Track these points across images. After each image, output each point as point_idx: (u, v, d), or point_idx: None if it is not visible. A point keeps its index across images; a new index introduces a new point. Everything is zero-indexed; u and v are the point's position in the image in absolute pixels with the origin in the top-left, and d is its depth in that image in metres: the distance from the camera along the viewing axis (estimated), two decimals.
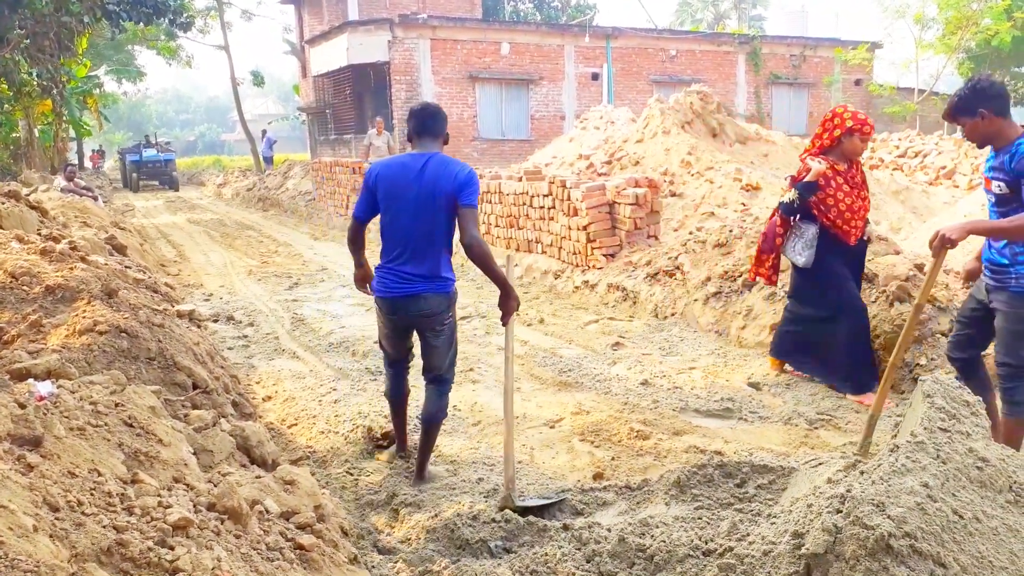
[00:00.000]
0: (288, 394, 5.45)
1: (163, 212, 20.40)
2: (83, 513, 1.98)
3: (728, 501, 3.45)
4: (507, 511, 3.37)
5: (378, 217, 3.85)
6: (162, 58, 35.95)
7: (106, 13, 15.61)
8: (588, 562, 2.95)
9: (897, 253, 6.02)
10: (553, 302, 8.38)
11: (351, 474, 4.08)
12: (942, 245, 3.49)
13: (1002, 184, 3.57)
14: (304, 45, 29.71)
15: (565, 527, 3.25)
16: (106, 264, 5.69)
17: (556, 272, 9.25)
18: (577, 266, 8.99)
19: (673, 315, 7.29)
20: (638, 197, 8.59)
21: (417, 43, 22.33)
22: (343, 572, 2.53)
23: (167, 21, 17.62)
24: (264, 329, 7.41)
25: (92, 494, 2.10)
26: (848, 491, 2.42)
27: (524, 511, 3.43)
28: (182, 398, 3.78)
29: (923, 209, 12.30)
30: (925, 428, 2.60)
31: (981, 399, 2.84)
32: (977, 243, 3.96)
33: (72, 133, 29.37)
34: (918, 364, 5.16)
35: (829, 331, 5.14)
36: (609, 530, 3.17)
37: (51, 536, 1.79)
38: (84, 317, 3.98)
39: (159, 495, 2.26)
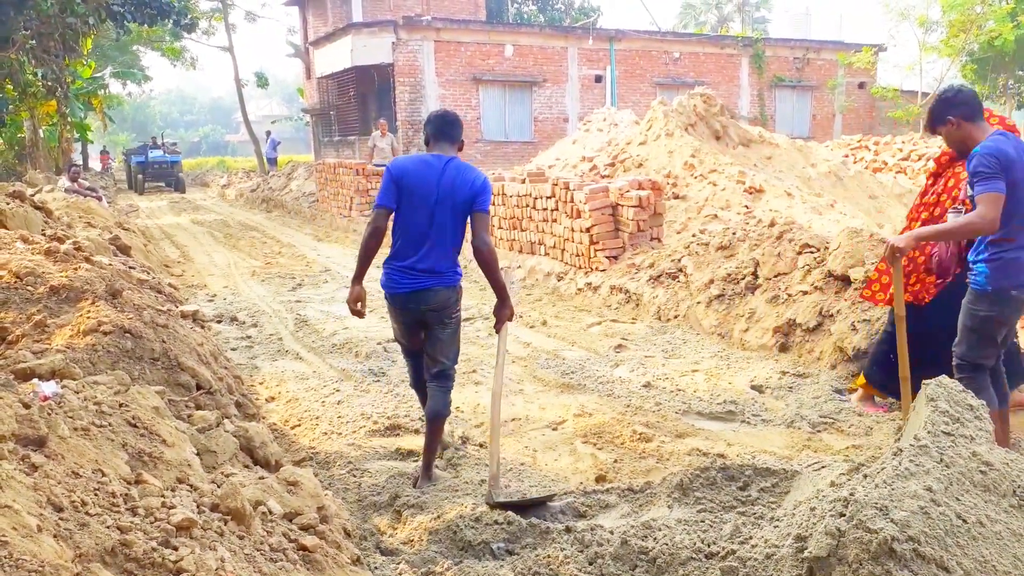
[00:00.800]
0: (291, 395, 5.46)
1: (167, 213, 20.43)
2: (87, 513, 1.99)
3: (731, 504, 3.45)
4: (510, 512, 3.38)
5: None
6: (167, 59, 36.03)
7: (111, 14, 15.65)
8: (590, 564, 2.95)
9: None
10: (556, 304, 8.38)
11: (354, 475, 4.09)
12: (893, 255, 3.74)
13: (969, 188, 3.71)
14: (308, 47, 29.74)
15: (567, 529, 3.25)
16: (110, 264, 5.70)
17: (559, 274, 9.26)
18: (580, 268, 8.99)
19: (676, 318, 7.28)
20: (641, 199, 8.59)
21: (421, 45, 22.36)
22: (346, 573, 2.53)
23: (171, 23, 17.65)
24: (267, 330, 7.42)
25: (96, 494, 2.11)
26: (851, 494, 2.42)
27: (503, 508, 3.43)
28: (186, 399, 3.78)
29: None
30: (929, 432, 2.59)
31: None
32: None
33: (77, 134, 29.39)
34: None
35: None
36: (612, 532, 3.17)
37: (55, 536, 1.79)
38: (88, 317, 3.99)
39: (163, 496, 2.27)
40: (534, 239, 9.98)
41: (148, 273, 7.48)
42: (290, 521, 2.63)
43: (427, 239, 3.81)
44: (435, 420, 3.98)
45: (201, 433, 3.16)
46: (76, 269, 4.83)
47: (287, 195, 20.87)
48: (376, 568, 2.96)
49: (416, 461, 4.27)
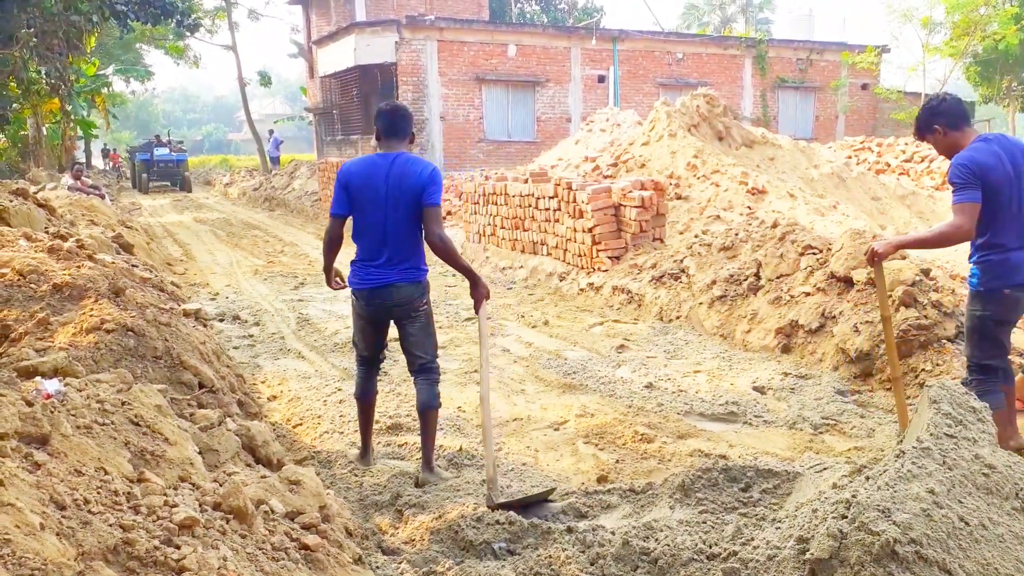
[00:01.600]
0: (293, 394, 5.46)
1: (169, 211, 20.45)
2: (90, 511, 1.99)
3: (732, 505, 3.45)
4: (511, 512, 3.38)
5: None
6: (170, 57, 36.06)
7: (114, 13, 15.67)
8: (592, 565, 2.94)
9: (903, 258, 6.01)
10: (558, 304, 8.38)
11: (355, 474, 4.09)
12: (872, 259, 3.85)
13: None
14: (311, 46, 29.75)
15: (569, 530, 3.25)
16: (113, 263, 5.71)
17: (561, 274, 9.25)
18: (582, 268, 8.99)
19: (678, 318, 7.28)
20: (644, 200, 8.58)
21: (424, 44, 22.35)
22: (348, 572, 2.53)
23: (175, 22, 17.67)
24: (270, 329, 7.42)
25: (99, 493, 2.11)
26: (853, 496, 2.41)
27: (505, 509, 3.43)
28: (188, 397, 3.78)
29: (929, 214, 12.27)
30: (931, 434, 2.59)
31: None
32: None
33: (80, 132, 29.37)
34: (923, 370, 5.15)
35: None
36: (613, 533, 3.16)
37: (58, 534, 1.79)
38: (91, 315, 3.99)
39: (165, 494, 2.27)
40: (536, 239, 9.98)
41: (151, 271, 7.49)
42: (292, 520, 2.63)
43: (386, 238, 3.85)
44: (426, 413, 4.02)
45: (203, 432, 3.16)
46: (79, 267, 4.84)
47: (290, 194, 20.88)
48: (378, 567, 2.96)
49: (419, 461, 4.27)
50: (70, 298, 4.31)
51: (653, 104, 13.52)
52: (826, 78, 27.29)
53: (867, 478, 2.60)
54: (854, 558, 2.26)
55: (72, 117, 24.90)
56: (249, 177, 27.78)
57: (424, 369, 4.05)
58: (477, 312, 3.98)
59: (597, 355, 6.36)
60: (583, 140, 15.32)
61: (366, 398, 4.22)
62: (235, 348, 6.66)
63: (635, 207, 8.59)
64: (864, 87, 27.49)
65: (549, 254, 9.72)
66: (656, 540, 3.04)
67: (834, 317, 5.90)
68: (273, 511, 2.57)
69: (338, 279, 4.18)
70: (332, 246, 4.08)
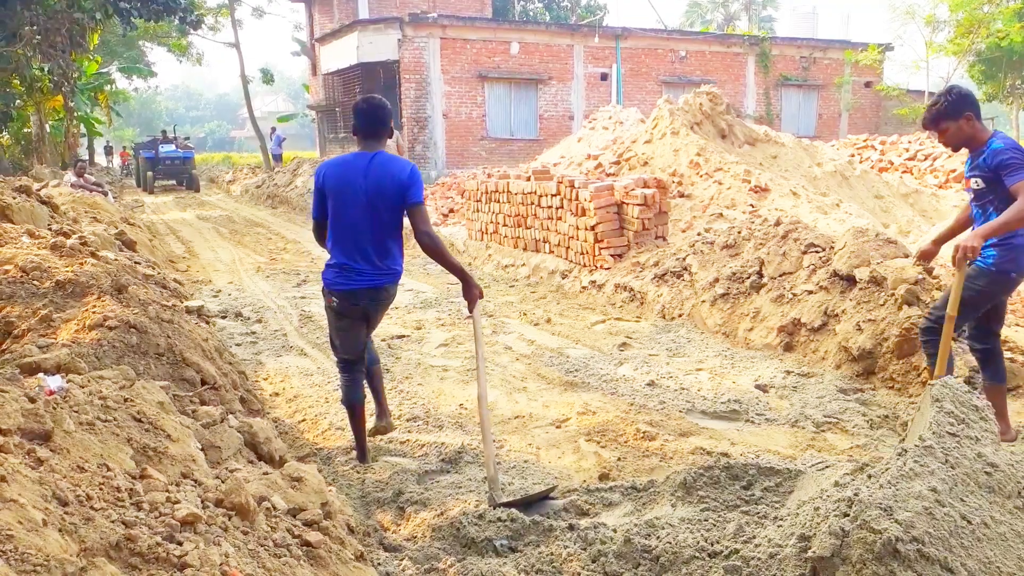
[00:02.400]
0: (295, 391, 5.47)
1: (172, 208, 20.47)
2: (92, 508, 1.99)
3: (734, 503, 3.44)
4: (513, 510, 3.38)
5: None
6: (173, 55, 36.11)
7: (117, 10, 15.68)
8: (593, 562, 2.94)
9: (906, 256, 6.00)
10: (560, 302, 8.38)
11: (357, 471, 4.09)
12: (965, 256, 3.77)
13: (979, 180, 4.00)
14: (314, 43, 29.75)
15: (571, 527, 3.25)
16: (116, 260, 5.72)
17: (563, 272, 9.25)
18: (584, 266, 8.98)
19: (680, 316, 7.28)
20: (646, 198, 8.58)
21: (427, 42, 22.35)
22: (349, 569, 2.53)
23: (177, 19, 17.67)
24: (272, 326, 7.43)
25: (101, 489, 2.11)
26: (855, 495, 2.41)
27: (507, 508, 3.43)
28: (190, 394, 3.79)
29: (932, 212, 12.24)
30: (934, 432, 2.59)
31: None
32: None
33: (83, 129, 29.38)
34: (925, 368, 5.14)
35: None
36: (615, 530, 3.16)
37: (60, 530, 1.80)
38: (94, 312, 4.00)
39: (167, 490, 2.27)
40: (539, 236, 9.98)
41: (153, 268, 7.50)
42: (294, 517, 2.63)
43: (363, 238, 3.80)
44: (373, 364, 4.33)
45: (206, 428, 3.16)
46: (82, 264, 4.85)
47: (292, 191, 20.89)
48: (379, 564, 2.96)
49: (421, 458, 4.28)
50: (73, 295, 4.32)
51: (656, 102, 13.50)
52: (829, 76, 27.25)
53: (869, 476, 2.60)
54: (856, 556, 2.26)
55: (75, 114, 24.93)
56: (252, 174, 27.78)
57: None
58: (471, 312, 3.88)
59: (599, 353, 6.36)
60: (586, 138, 15.30)
61: (358, 402, 4.14)
62: (237, 345, 6.67)
63: (638, 205, 8.58)
64: (867, 85, 27.44)
65: (551, 252, 9.71)
66: (658, 538, 3.04)
67: (836, 315, 5.90)
68: (275, 508, 2.58)
69: None
70: (322, 245, 4.05)
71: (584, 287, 8.66)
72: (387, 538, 3.32)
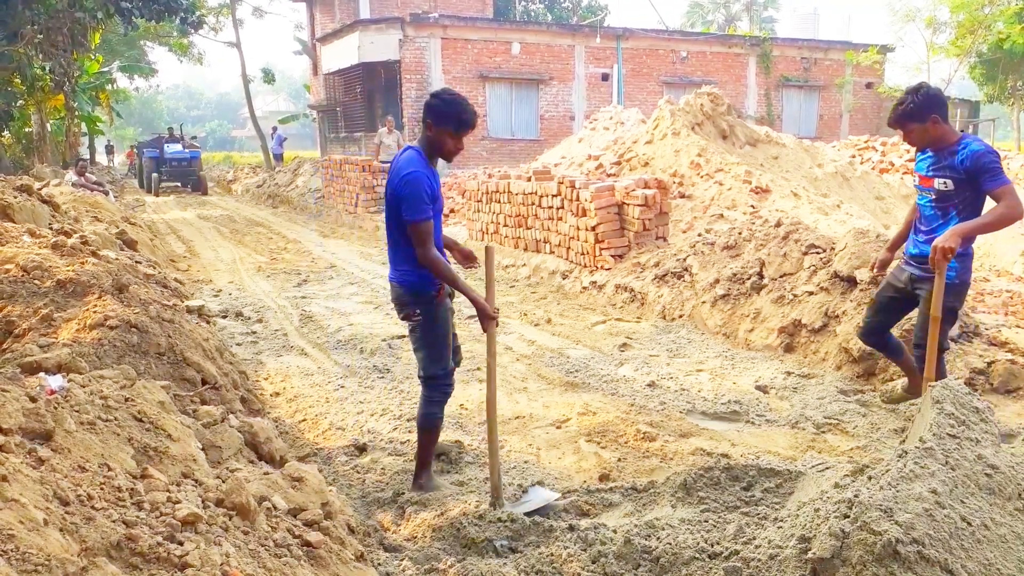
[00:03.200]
0: (296, 391, 5.47)
1: (173, 208, 20.47)
2: (93, 507, 1.99)
3: (734, 504, 3.45)
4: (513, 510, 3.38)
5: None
6: (174, 54, 36.11)
7: (118, 10, 15.71)
8: (593, 563, 2.95)
9: (899, 259, 6.00)
10: (561, 302, 8.38)
11: (358, 472, 4.09)
12: (944, 256, 3.70)
13: (948, 181, 3.92)
14: (315, 43, 29.76)
15: (571, 528, 3.25)
16: (117, 259, 5.72)
17: (564, 272, 9.25)
18: (585, 267, 8.98)
19: (681, 317, 7.28)
20: (647, 198, 8.58)
21: (428, 42, 22.35)
22: (350, 569, 2.53)
23: (178, 19, 17.69)
24: (272, 325, 7.43)
25: (102, 488, 2.11)
26: (856, 496, 2.41)
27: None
28: (191, 394, 3.79)
29: None
30: (934, 434, 2.59)
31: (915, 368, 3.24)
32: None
33: (84, 128, 29.38)
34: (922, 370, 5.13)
35: None
36: (615, 531, 3.17)
37: (61, 530, 1.80)
38: (95, 312, 4.00)
39: (168, 490, 2.27)
40: (539, 237, 9.98)
41: (154, 268, 7.50)
42: (294, 517, 2.63)
43: (387, 237, 3.75)
44: (417, 430, 3.86)
45: (206, 428, 3.17)
46: (83, 263, 4.85)
47: (293, 191, 20.90)
48: (380, 564, 2.97)
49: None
50: (74, 294, 4.32)
51: (657, 102, 13.51)
52: (830, 77, 27.25)
53: (869, 478, 2.60)
54: (856, 558, 2.26)
55: (76, 113, 24.93)
56: (253, 174, 27.77)
57: (421, 380, 3.86)
58: (485, 332, 3.64)
59: (600, 353, 6.36)
60: (587, 138, 15.30)
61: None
62: (238, 345, 6.67)
63: (638, 205, 8.58)
64: (868, 86, 27.43)
65: (552, 252, 9.71)
66: (658, 538, 3.04)
67: (837, 316, 5.90)
68: (275, 508, 2.58)
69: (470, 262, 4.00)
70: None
71: (585, 287, 8.66)
72: (387, 538, 3.32)
